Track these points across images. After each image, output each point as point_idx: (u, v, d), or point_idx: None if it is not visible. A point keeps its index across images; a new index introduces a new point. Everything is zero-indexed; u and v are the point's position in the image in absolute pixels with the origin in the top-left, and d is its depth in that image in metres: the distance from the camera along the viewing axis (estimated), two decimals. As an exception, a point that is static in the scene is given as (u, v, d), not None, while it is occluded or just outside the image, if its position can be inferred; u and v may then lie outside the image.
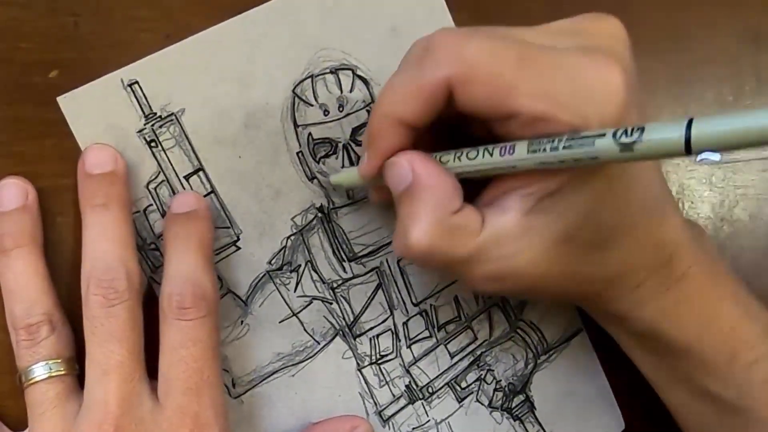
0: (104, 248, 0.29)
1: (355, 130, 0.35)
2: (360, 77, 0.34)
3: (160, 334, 0.29)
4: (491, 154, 0.27)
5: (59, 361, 0.28)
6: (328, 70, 0.34)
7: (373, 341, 0.36)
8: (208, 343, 0.29)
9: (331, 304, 0.35)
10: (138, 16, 0.31)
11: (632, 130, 0.23)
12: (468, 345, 0.38)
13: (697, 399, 0.35)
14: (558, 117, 0.25)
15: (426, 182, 0.28)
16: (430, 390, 0.37)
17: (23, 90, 0.29)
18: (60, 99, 0.29)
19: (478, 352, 0.38)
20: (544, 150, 0.25)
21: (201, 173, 0.32)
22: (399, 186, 0.29)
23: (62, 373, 0.28)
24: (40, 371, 0.28)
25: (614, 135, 0.23)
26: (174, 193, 0.32)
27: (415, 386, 0.37)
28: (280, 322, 0.34)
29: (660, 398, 0.37)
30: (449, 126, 0.29)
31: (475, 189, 0.30)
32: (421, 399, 0.37)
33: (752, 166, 0.44)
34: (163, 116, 0.31)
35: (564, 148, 0.25)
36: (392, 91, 0.28)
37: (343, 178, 0.33)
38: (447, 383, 0.37)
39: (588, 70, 0.26)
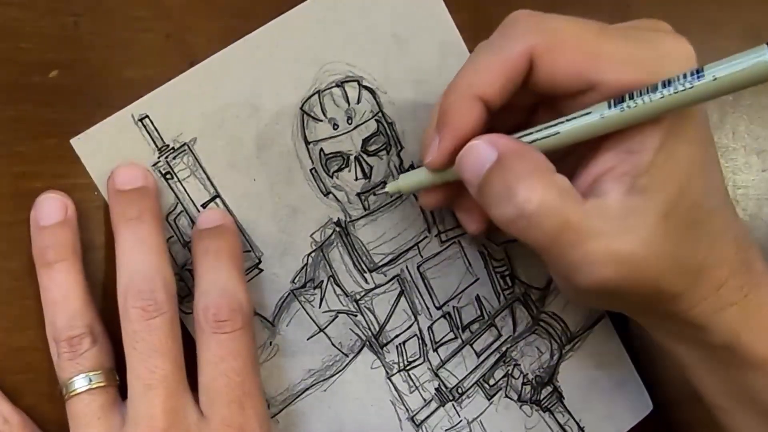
0: (140, 259, 0.28)
1: (366, 141, 0.35)
2: (366, 87, 0.34)
3: (198, 348, 0.29)
4: (569, 120, 0.27)
5: (100, 372, 0.28)
6: (333, 84, 0.34)
7: (399, 348, 0.36)
8: (247, 356, 0.29)
9: (356, 316, 0.35)
10: (138, 16, 0.31)
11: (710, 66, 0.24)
12: (493, 342, 0.38)
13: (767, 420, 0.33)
14: (645, 83, 0.25)
15: (518, 150, 0.27)
16: (459, 390, 0.38)
17: (23, 90, 0.29)
18: (73, 141, 0.29)
19: (504, 348, 0.39)
20: (628, 106, 0.26)
21: (218, 200, 0.32)
22: (482, 167, 0.28)
23: (103, 384, 0.28)
24: (81, 383, 0.28)
25: (697, 72, 0.24)
26: (193, 223, 0.32)
27: (444, 388, 0.37)
28: (308, 339, 0.34)
29: (720, 422, 0.35)
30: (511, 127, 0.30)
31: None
32: (451, 400, 0.37)
33: (752, 166, 0.44)
34: (175, 147, 0.31)
35: (655, 96, 0.25)
36: (472, 66, 0.28)
37: (404, 183, 0.32)
38: (476, 382, 0.38)
39: (664, 40, 0.27)
